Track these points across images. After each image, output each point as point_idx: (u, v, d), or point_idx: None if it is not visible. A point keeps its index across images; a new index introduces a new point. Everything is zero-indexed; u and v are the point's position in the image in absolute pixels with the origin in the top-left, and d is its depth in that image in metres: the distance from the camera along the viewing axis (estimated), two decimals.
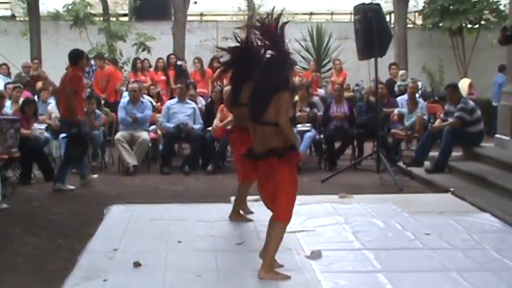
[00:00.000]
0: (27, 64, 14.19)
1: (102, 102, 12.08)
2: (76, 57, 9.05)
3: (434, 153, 10.02)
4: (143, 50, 17.29)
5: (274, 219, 5.09)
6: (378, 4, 10.77)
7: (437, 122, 10.43)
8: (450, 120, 9.89)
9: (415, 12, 20.93)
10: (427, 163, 10.00)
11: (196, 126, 10.77)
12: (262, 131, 5.08)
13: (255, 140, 5.19)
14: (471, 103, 10.02)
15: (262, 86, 5.14)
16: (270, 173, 5.01)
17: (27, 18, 18.83)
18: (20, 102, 10.72)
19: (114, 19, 18.87)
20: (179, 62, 14.68)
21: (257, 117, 5.11)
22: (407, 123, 11.33)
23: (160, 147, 11.08)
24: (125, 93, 12.31)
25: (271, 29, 5.22)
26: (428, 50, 19.57)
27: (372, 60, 10.06)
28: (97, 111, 10.80)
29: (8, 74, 14.35)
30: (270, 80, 5.07)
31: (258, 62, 5.63)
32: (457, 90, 10.20)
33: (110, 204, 7.65)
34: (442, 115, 10.47)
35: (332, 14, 22.45)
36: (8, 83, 12.91)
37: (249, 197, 7.15)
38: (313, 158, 11.43)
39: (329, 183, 9.30)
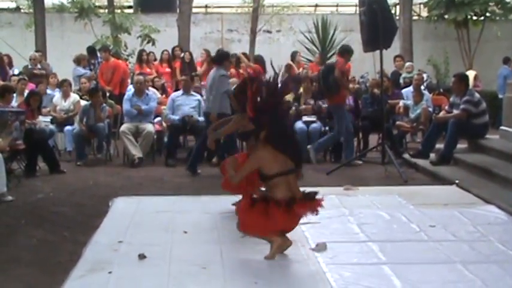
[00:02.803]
0: (35, 56, 14.16)
1: (107, 94, 12.07)
2: None
3: (439, 145, 10.00)
4: (148, 42, 17.29)
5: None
6: None
7: (442, 114, 10.40)
8: (455, 112, 9.86)
9: (420, 4, 20.85)
10: (432, 155, 9.98)
11: (201, 119, 10.77)
12: None
13: None
14: (477, 95, 9.96)
15: None
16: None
17: (31, 10, 18.84)
18: (25, 94, 10.73)
19: (118, 11, 18.88)
20: (181, 55, 14.64)
21: None
22: (412, 115, 11.30)
23: (165, 139, 11.09)
24: (130, 86, 12.30)
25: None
26: (434, 42, 19.52)
27: (377, 52, 10.03)
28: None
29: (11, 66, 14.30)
30: None
31: None
32: (462, 82, 10.05)
33: (115, 197, 7.65)
34: (447, 107, 10.44)
35: (337, 6, 22.39)
36: (13, 75, 12.90)
37: None
38: None
39: (334, 175, 9.29)
